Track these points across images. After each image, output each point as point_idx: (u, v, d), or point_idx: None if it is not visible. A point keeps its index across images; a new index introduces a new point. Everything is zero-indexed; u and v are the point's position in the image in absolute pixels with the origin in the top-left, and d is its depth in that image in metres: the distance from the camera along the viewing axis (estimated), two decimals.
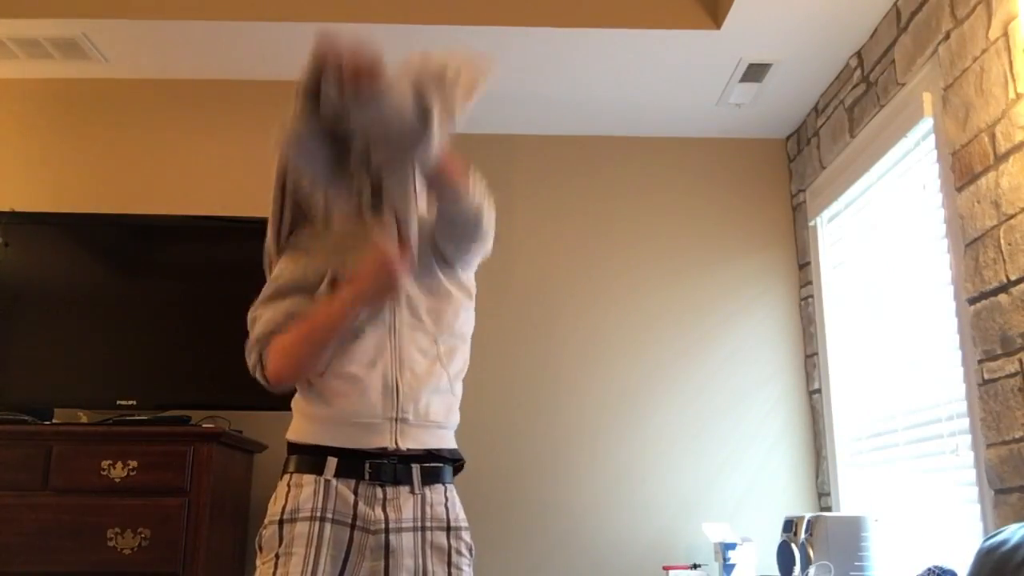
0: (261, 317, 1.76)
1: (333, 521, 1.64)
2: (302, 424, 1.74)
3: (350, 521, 1.65)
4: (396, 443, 1.67)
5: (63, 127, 3.31)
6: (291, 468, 1.71)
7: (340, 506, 1.65)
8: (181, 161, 3.28)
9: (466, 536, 1.73)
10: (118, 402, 2.76)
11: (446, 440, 1.76)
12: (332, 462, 1.67)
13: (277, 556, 1.63)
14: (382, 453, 1.67)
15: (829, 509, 3.26)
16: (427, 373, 1.72)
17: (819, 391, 3.40)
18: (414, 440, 1.69)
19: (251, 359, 1.75)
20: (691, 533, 3.34)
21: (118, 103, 3.34)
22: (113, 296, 2.88)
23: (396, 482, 1.68)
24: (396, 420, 1.68)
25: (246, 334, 1.77)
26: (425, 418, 1.71)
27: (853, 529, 2.68)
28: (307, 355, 1.71)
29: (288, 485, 1.69)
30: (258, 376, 1.74)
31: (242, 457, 2.90)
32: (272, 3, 3.01)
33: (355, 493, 1.66)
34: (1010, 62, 2.17)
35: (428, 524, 1.69)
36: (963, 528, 2.42)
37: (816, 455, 3.43)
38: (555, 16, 3.01)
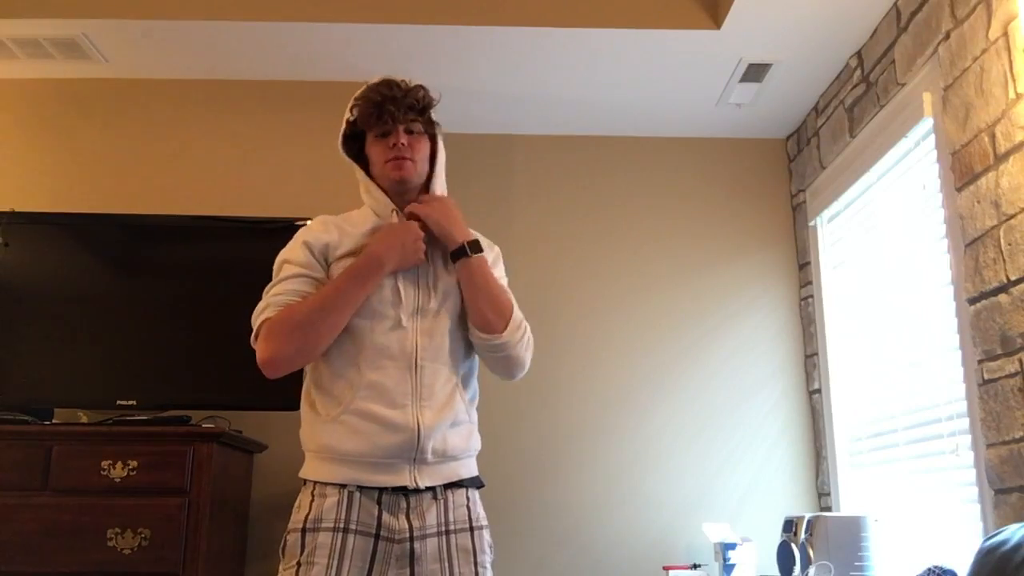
0: (264, 300, 1.74)
1: (356, 532, 1.64)
2: (315, 465, 1.71)
3: (374, 531, 1.65)
4: (415, 482, 1.68)
5: (63, 127, 3.30)
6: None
7: (364, 517, 1.65)
8: (181, 161, 3.28)
9: (487, 535, 1.75)
10: (118, 402, 2.75)
11: (464, 469, 1.77)
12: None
13: (299, 564, 1.63)
14: (400, 489, 1.68)
15: (829, 509, 3.26)
16: (446, 406, 1.72)
17: (819, 391, 3.40)
18: (431, 477, 1.70)
19: (254, 344, 1.72)
20: (691, 533, 3.34)
21: (118, 103, 3.34)
22: (113, 296, 2.88)
23: (418, 491, 1.69)
24: (415, 460, 1.69)
25: (247, 334, 1.75)
26: (443, 455, 1.72)
27: (853, 529, 2.68)
28: (310, 324, 1.66)
29: (312, 494, 1.68)
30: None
31: (242, 457, 2.89)
32: (272, 3, 3.01)
33: (378, 503, 1.66)
34: (1010, 62, 2.17)
35: (452, 527, 1.70)
36: (963, 528, 2.41)
37: (816, 455, 3.43)
38: (555, 16, 3.01)
